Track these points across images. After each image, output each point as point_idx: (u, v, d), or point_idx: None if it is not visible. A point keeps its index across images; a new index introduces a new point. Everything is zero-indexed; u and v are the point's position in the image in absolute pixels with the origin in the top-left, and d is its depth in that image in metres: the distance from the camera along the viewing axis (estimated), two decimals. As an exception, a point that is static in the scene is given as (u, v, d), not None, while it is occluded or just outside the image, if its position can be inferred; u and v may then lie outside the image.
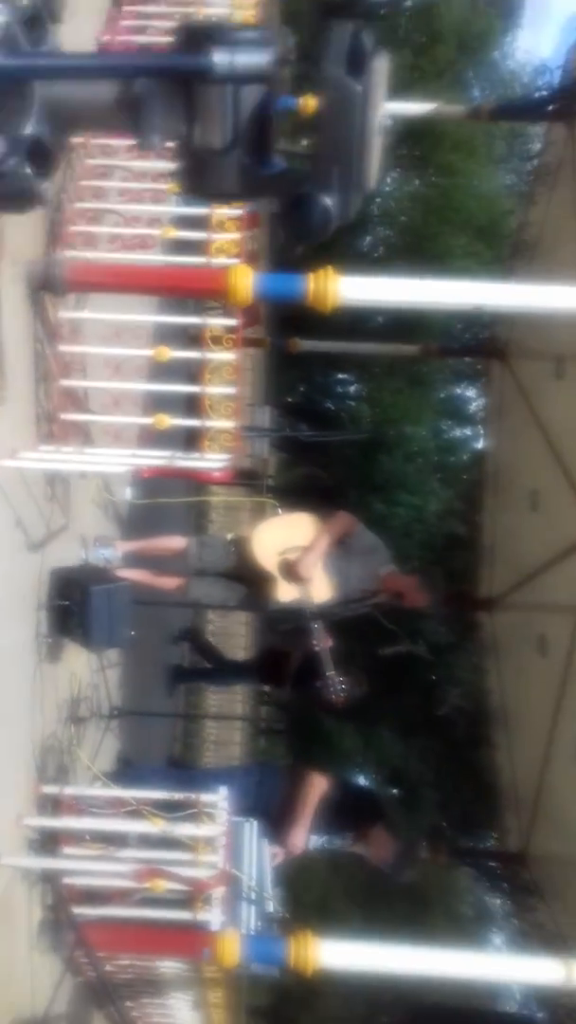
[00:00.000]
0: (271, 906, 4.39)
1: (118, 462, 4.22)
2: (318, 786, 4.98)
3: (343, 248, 19.04)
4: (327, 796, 5.00)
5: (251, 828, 4.67)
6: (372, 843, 5.00)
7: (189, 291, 4.14)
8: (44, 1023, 4.04)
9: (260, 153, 2.04)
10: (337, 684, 4.83)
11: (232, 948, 3.70)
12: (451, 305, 3.22)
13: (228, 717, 12.42)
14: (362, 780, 20.07)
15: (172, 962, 4.31)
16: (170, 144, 1.82)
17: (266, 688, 8.55)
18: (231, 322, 4.18)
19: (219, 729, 12.31)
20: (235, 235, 4.31)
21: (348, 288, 3.10)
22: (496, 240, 17.06)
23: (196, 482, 7.34)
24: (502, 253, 8.20)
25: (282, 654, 6.73)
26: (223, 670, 8.41)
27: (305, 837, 4.90)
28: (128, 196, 4.47)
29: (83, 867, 3.99)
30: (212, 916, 3.89)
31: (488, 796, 7.57)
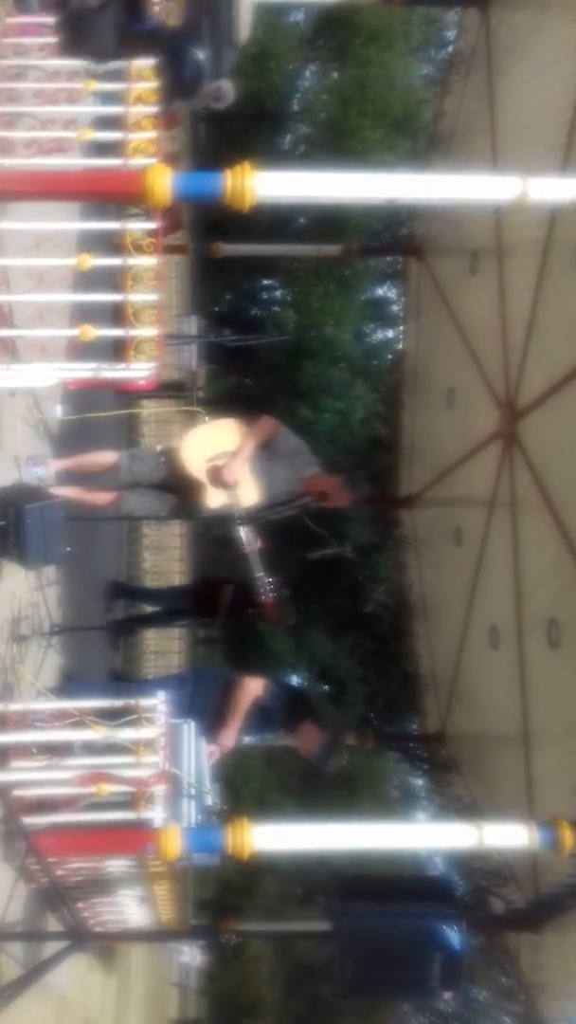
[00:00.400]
0: (210, 800, 4.56)
1: (46, 376, 4.12)
2: (249, 689, 5.17)
3: (263, 147, 18.51)
4: (260, 697, 5.18)
5: (189, 729, 4.81)
6: (301, 737, 5.27)
7: (107, 195, 3.99)
8: (0, 931, 4.16)
9: (134, 11, 1.96)
10: (267, 585, 4.96)
11: (174, 841, 3.85)
12: (366, 199, 3.20)
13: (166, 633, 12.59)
14: (294, 680, 20.63)
15: (119, 861, 4.45)
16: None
17: (201, 623, 8.55)
18: (151, 226, 4.06)
19: (158, 639, 12.45)
20: (152, 134, 4.15)
21: (265, 184, 3.06)
22: (413, 133, 16.83)
23: (124, 395, 7.23)
24: (419, 146, 8.11)
25: (216, 585, 6.86)
26: (160, 613, 8.47)
27: (236, 736, 5.11)
28: (43, 98, 4.25)
29: (31, 778, 4.06)
30: (155, 814, 4.02)
31: (410, 685, 7.91)
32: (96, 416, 5.96)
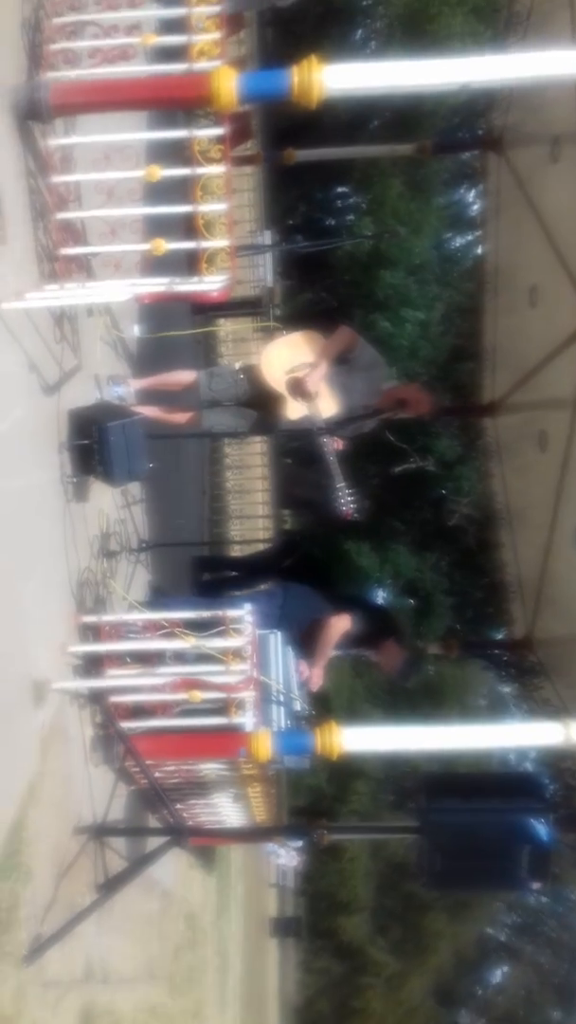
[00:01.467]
0: (299, 705, 4.69)
1: (121, 292, 4.14)
2: (336, 629, 5.25)
3: (333, 45, 17.84)
4: (348, 632, 5.27)
5: (276, 639, 4.92)
6: (384, 655, 5.37)
7: (173, 100, 3.93)
8: (104, 828, 4.40)
9: None
10: (346, 496, 5.00)
11: (265, 744, 4.00)
12: (440, 86, 3.07)
13: (251, 541, 12.73)
14: (378, 596, 20.78)
15: (213, 764, 4.64)
16: None
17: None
18: (219, 132, 3.99)
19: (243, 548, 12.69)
20: (216, 35, 4.03)
21: (333, 77, 2.97)
22: (492, 17, 16.01)
23: (200, 313, 7.22)
24: (499, 32, 7.69)
25: (298, 547, 6.96)
26: (245, 576, 8.56)
27: (322, 676, 5.20)
28: (104, 4, 4.17)
29: (126, 684, 4.23)
30: (245, 719, 4.17)
31: (496, 594, 7.90)
32: (174, 335, 5.99)
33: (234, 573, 8.88)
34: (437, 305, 19.01)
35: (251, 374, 5.21)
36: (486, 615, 17.86)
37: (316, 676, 5.18)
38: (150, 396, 5.40)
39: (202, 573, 8.17)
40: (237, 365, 5.38)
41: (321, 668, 5.21)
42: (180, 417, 5.46)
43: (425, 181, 18.99)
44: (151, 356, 6.14)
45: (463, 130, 16.43)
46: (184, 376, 5.40)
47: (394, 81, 3.06)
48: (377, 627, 5.41)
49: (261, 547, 11.07)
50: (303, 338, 5.20)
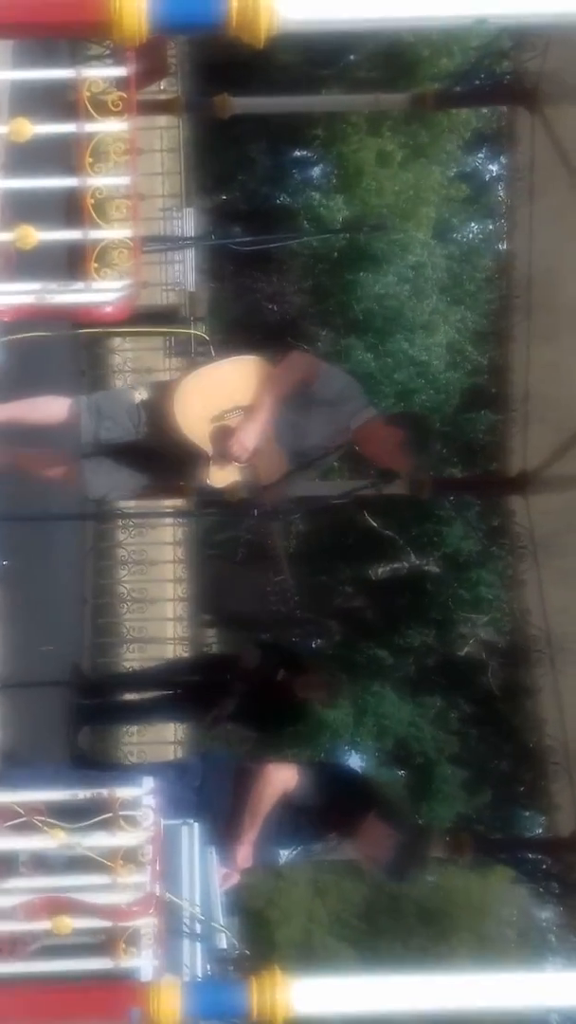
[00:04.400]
0: (224, 940, 4.59)
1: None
2: (272, 782, 5.19)
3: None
4: (292, 792, 5.21)
5: (191, 834, 4.84)
6: (363, 839, 5.27)
7: (53, 26, 4.01)
8: None
9: None
10: (286, 595, 5.03)
11: (171, 1002, 3.87)
12: (445, 20, 3.15)
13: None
14: (350, 761, 20.65)
15: (92, 1030, 4.50)
16: None
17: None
18: (120, 72, 4.08)
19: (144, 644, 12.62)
20: None
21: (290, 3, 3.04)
22: None
23: (85, 329, 7.25)
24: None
25: (226, 665, 7.13)
26: (144, 705, 8.60)
27: (251, 851, 5.13)
28: None
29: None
30: (141, 961, 4.06)
31: (530, 764, 7.91)
32: (42, 336, 5.93)
33: (128, 696, 8.91)
34: (442, 327, 19.44)
35: (157, 413, 5.19)
36: (515, 797, 17.81)
37: (242, 852, 5.10)
38: (4, 436, 5.34)
39: (80, 710, 8.14)
40: (137, 395, 5.34)
41: (250, 841, 5.14)
42: (47, 469, 5.44)
43: (424, 148, 19.57)
44: (12, 385, 6.12)
45: (481, 76, 16.96)
46: (55, 406, 5.33)
47: (378, 12, 3.14)
48: (350, 799, 5.35)
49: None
50: (238, 368, 5.23)
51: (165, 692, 8.12)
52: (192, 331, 11.00)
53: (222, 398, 5.13)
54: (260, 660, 6.98)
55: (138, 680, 9.28)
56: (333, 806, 5.34)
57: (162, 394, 5.23)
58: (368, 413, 5.35)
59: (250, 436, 5.04)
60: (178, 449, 5.16)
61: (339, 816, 5.33)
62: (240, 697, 7.13)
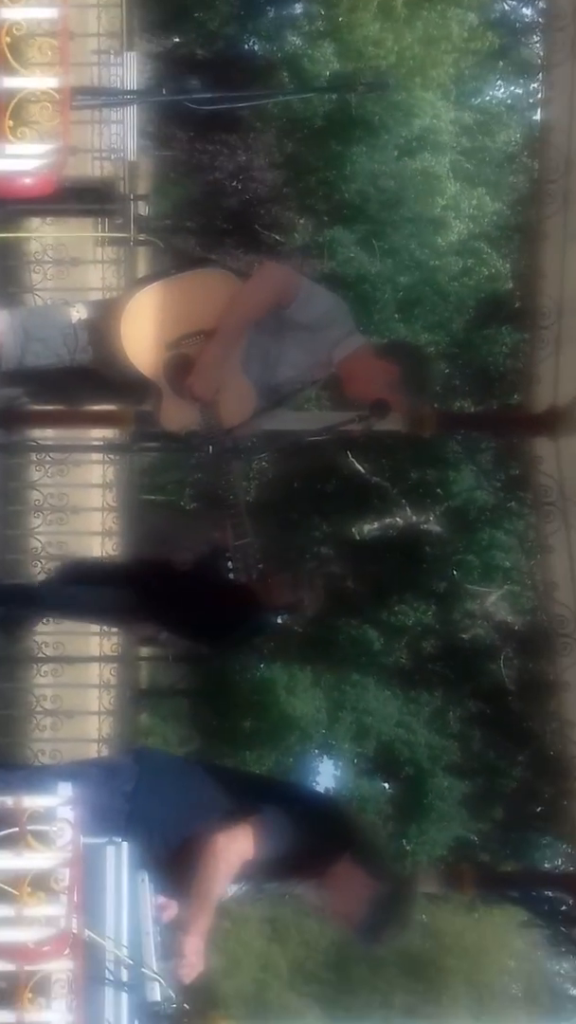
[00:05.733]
0: (158, 991, 4.63)
1: None
2: (227, 858, 5.17)
3: None
4: (253, 858, 5.20)
5: (118, 855, 4.87)
6: (332, 888, 5.24)
7: None
8: None
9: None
10: (247, 558, 5.04)
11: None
12: None
13: (77, 659, 12.62)
14: (324, 778, 20.85)
15: None
16: None
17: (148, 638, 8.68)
18: None
19: (60, 689, 12.53)
20: None
21: None
22: None
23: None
24: None
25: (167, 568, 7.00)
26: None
27: (201, 950, 5.14)
28: None
29: None
30: (51, 1014, 4.09)
31: (549, 777, 7.99)
32: None
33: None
34: (455, 218, 19.42)
35: (100, 336, 5.25)
36: (530, 819, 17.89)
37: (192, 947, 5.11)
38: None
39: None
40: (75, 312, 5.38)
41: (200, 933, 5.14)
42: None
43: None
44: None
45: None
46: None
47: None
48: (320, 836, 5.36)
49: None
50: (198, 283, 5.28)
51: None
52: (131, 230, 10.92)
53: (179, 321, 5.17)
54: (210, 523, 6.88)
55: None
56: (303, 843, 5.33)
57: (106, 313, 5.29)
58: (354, 342, 5.39)
59: (213, 368, 5.09)
60: (122, 379, 5.23)
61: (308, 855, 5.31)
62: (183, 596, 7.03)
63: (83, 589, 8.02)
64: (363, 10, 18.87)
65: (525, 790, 18.15)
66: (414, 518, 19.51)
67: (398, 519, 19.64)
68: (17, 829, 4.17)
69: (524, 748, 17.48)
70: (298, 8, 22.06)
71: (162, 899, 5.13)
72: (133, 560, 9.32)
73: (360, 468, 18.61)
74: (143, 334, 5.15)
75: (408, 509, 19.35)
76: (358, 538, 19.88)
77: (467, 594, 19.37)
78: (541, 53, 8.75)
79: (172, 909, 5.15)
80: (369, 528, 19.96)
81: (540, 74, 8.79)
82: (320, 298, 5.42)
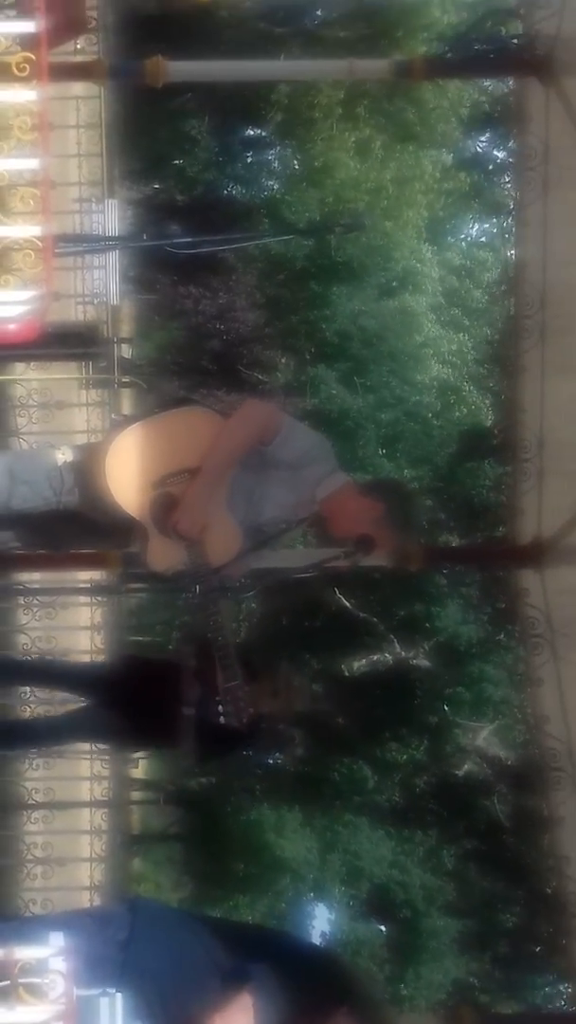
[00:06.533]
0: None
1: None
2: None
3: None
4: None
5: (111, 1006, 4.79)
6: None
7: None
8: None
9: None
10: (238, 701, 5.01)
11: None
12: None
13: (67, 804, 12.47)
14: (316, 912, 20.56)
15: None
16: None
17: (138, 748, 8.60)
18: (27, 27, 4.13)
19: (51, 836, 12.38)
20: None
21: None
22: None
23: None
24: None
25: (162, 669, 6.91)
26: (59, 722, 8.42)
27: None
28: None
29: None
30: None
31: (549, 917, 7.89)
32: None
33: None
34: (435, 355, 19.56)
35: (85, 477, 5.26)
36: (529, 959, 17.59)
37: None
38: None
39: None
40: (60, 455, 5.39)
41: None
42: None
43: (411, 130, 19.79)
44: None
45: (482, 39, 17.23)
46: None
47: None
48: (316, 992, 5.28)
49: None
50: (181, 422, 5.30)
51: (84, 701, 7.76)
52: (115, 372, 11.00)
53: (163, 460, 5.16)
54: (199, 662, 6.75)
55: (42, 673, 8.97)
56: (300, 999, 5.26)
57: (91, 454, 5.30)
58: (337, 481, 5.38)
59: (198, 506, 5.10)
60: (109, 520, 5.22)
61: (299, 1014, 5.24)
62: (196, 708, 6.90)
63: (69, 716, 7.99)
64: (340, 150, 19.14)
65: (523, 928, 17.92)
66: (403, 653, 19.44)
67: (387, 654, 19.57)
68: (8, 982, 4.12)
69: (521, 885, 17.27)
70: (275, 152, 22.38)
71: None
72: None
73: (347, 604, 18.59)
74: (128, 473, 5.14)
75: (397, 644, 19.29)
76: (348, 674, 19.79)
77: (459, 729, 19.25)
78: (513, 192, 8.90)
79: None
80: (358, 664, 19.88)
81: (513, 213, 8.92)
82: (302, 435, 5.43)
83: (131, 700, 7.04)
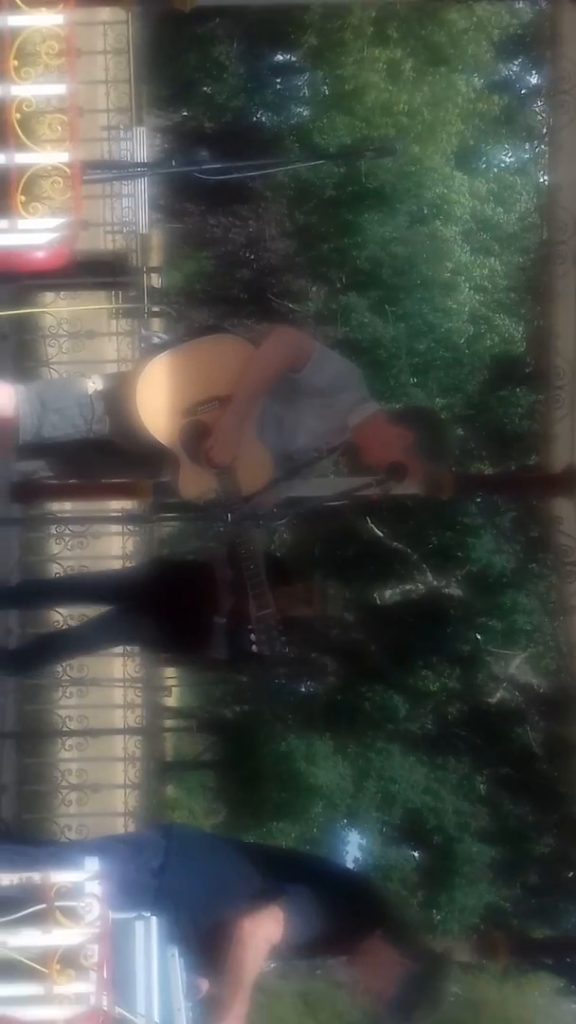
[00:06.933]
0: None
1: None
2: (256, 941, 5.12)
3: None
4: (283, 940, 5.15)
5: (147, 929, 4.82)
6: (362, 965, 5.17)
7: None
8: None
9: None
10: (270, 630, 5.02)
11: None
12: None
13: (101, 732, 12.54)
14: (350, 839, 20.66)
15: None
16: None
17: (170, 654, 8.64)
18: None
19: (85, 764, 12.46)
20: None
21: None
22: None
23: (11, 279, 7.29)
24: None
25: (194, 572, 6.88)
26: (93, 627, 8.43)
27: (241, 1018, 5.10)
28: None
29: None
30: None
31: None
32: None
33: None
34: (463, 283, 19.44)
35: (118, 405, 5.25)
36: (562, 884, 17.65)
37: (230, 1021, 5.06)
38: None
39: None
40: (91, 383, 5.38)
41: (237, 1019, 5.09)
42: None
43: (442, 53, 19.59)
44: None
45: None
46: None
47: None
48: (348, 914, 5.31)
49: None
50: (212, 350, 5.29)
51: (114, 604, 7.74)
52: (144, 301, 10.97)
53: (194, 388, 5.17)
54: (230, 565, 6.68)
55: (72, 589, 9.00)
56: (331, 920, 5.28)
57: (121, 383, 5.30)
58: (368, 408, 5.36)
59: (230, 434, 5.09)
60: (140, 449, 5.23)
61: (337, 932, 5.26)
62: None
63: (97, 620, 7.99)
64: (371, 71, 18.95)
65: (556, 855, 17.98)
66: (435, 582, 19.45)
67: (419, 584, 19.59)
68: (45, 905, 4.14)
69: (553, 812, 17.30)
70: (304, 78, 22.18)
71: (200, 983, 5.06)
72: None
73: (379, 533, 18.59)
74: (158, 402, 5.13)
75: (429, 573, 19.30)
76: (380, 603, 19.83)
77: (491, 657, 19.27)
78: (546, 117, 8.82)
79: (205, 986, 5.10)
80: (391, 593, 19.91)
81: (545, 137, 8.83)
82: (332, 362, 5.40)
83: (162, 603, 7.04)
